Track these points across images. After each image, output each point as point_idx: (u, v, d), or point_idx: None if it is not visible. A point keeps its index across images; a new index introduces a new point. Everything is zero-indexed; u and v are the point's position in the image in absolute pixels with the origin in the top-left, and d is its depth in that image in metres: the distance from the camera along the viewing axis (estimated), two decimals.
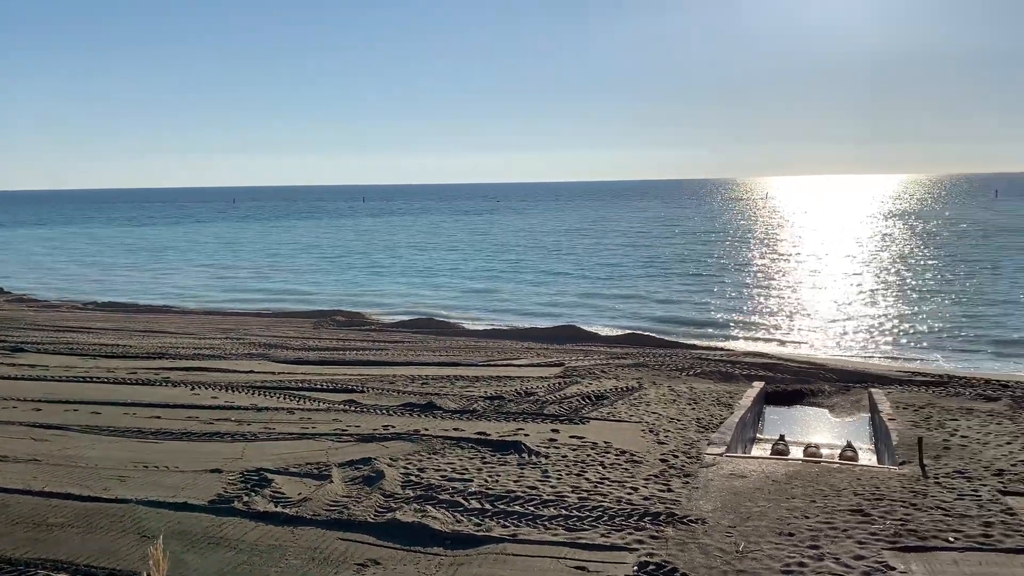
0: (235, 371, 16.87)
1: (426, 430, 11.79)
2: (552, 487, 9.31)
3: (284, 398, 14.13)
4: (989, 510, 8.63)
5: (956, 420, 12.74)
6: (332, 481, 9.48)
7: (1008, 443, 11.35)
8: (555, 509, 8.64)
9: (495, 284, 39.40)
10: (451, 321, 28.33)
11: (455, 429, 11.90)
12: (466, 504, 8.74)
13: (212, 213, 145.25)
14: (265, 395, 14.34)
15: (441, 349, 20.81)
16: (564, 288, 37.33)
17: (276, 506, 8.74)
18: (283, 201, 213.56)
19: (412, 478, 9.62)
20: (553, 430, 11.87)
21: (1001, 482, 9.59)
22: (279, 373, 16.73)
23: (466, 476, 9.67)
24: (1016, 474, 9.88)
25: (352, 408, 13.32)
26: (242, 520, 8.40)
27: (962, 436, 11.74)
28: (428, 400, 13.70)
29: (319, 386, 15.14)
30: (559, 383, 15.47)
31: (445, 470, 9.92)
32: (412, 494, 9.08)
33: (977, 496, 9.08)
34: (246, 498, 8.92)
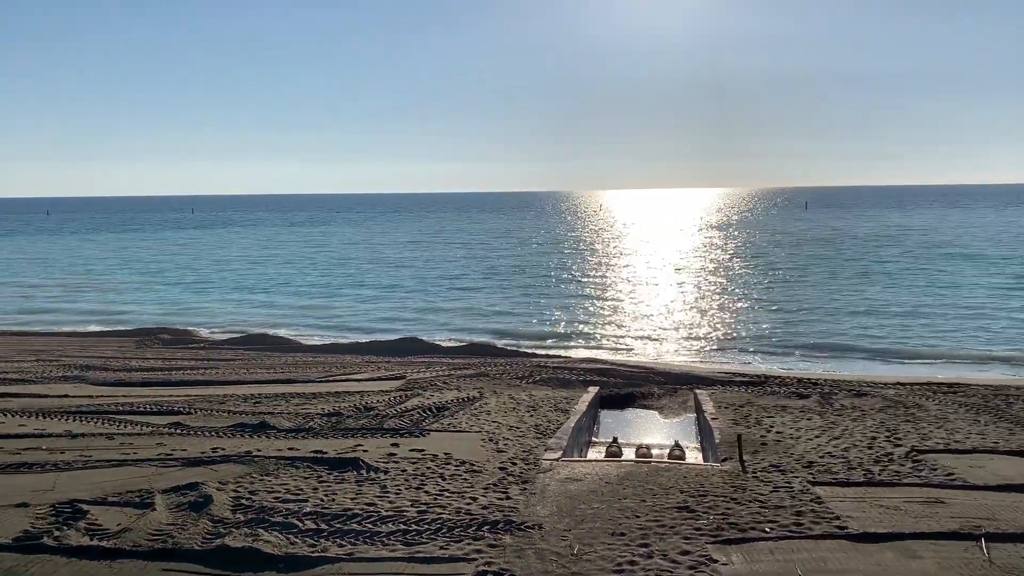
0: (47, 396, 15.56)
1: (259, 451, 11.32)
2: (391, 502, 9.18)
3: (103, 423, 13.15)
4: (801, 500, 9.30)
5: (772, 417, 13.67)
6: (155, 509, 8.90)
7: (817, 437, 12.29)
8: (394, 524, 8.52)
9: (333, 298, 38.59)
10: (287, 337, 27.47)
11: (290, 448, 11.51)
12: (301, 525, 8.46)
13: (18, 225, 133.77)
14: (81, 420, 13.30)
15: (276, 366, 20.12)
16: (405, 301, 37.14)
17: (92, 539, 8.10)
18: (102, 213, 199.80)
19: (243, 501, 9.20)
20: (393, 444, 11.73)
21: (811, 473, 10.36)
22: (97, 396, 15.58)
23: (301, 496, 9.36)
24: (824, 466, 10.71)
25: (178, 431, 12.59)
26: (52, 557, 7.72)
27: (777, 432, 12.61)
28: (261, 419, 13.17)
29: (142, 409, 14.22)
30: (400, 396, 15.33)
31: (279, 491, 9.56)
32: (243, 518, 8.68)
33: (790, 488, 9.76)
34: (57, 532, 8.22)
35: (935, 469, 10.50)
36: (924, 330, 27.22)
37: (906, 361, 22.72)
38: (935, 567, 7.50)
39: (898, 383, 17.00)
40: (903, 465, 10.70)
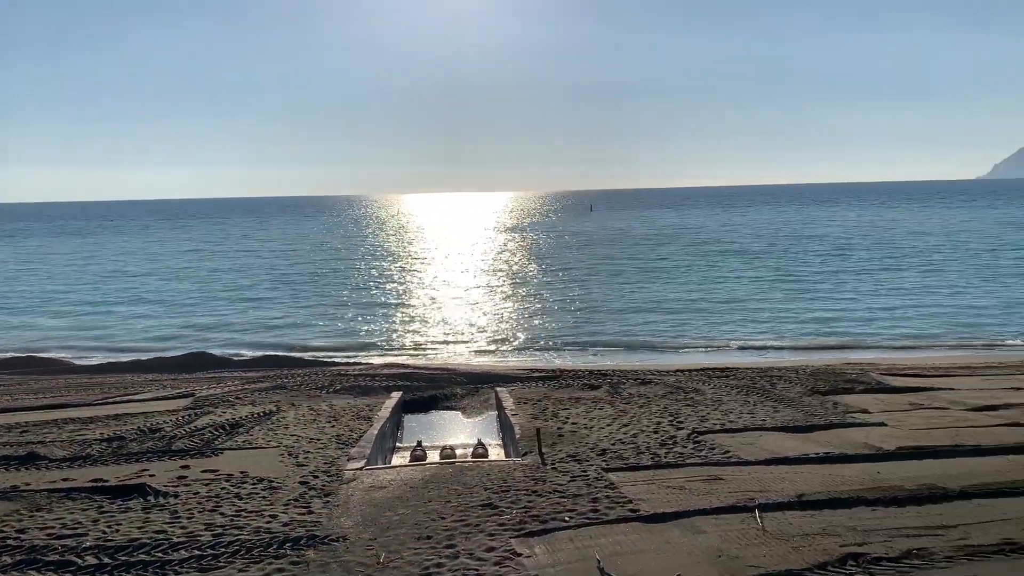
0: None
1: (27, 485, 10.26)
2: (183, 528, 8.64)
3: None
4: (596, 487, 9.77)
5: (567, 409, 14.25)
6: None
7: (608, 425, 12.96)
8: (187, 551, 8.02)
9: (108, 315, 35.60)
10: (57, 358, 25.05)
11: (64, 479, 10.51)
12: (80, 562, 7.75)
13: None
14: None
15: (45, 390, 18.32)
16: (190, 314, 35.01)
17: None
18: None
19: (10, 542, 8.29)
20: (183, 467, 11.04)
21: (605, 461, 10.91)
22: None
23: (80, 530, 8.58)
24: (616, 452, 11.31)
25: None
26: None
27: (573, 423, 13.17)
28: (29, 450, 11.94)
29: None
30: (189, 415, 14.45)
31: (53, 527, 8.71)
32: (10, 560, 7.82)
33: (586, 476, 10.23)
34: None
35: (713, 448, 11.41)
36: (699, 321, 29.47)
37: (685, 350, 24.48)
38: (717, 539, 8.13)
39: (678, 370, 18.29)
40: (686, 447, 11.53)
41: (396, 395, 16.37)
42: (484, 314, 32.70)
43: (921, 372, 17.55)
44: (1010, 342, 24.37)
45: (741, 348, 24.35)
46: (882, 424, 12.68)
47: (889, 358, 21.22)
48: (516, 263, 54.45)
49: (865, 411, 13.64)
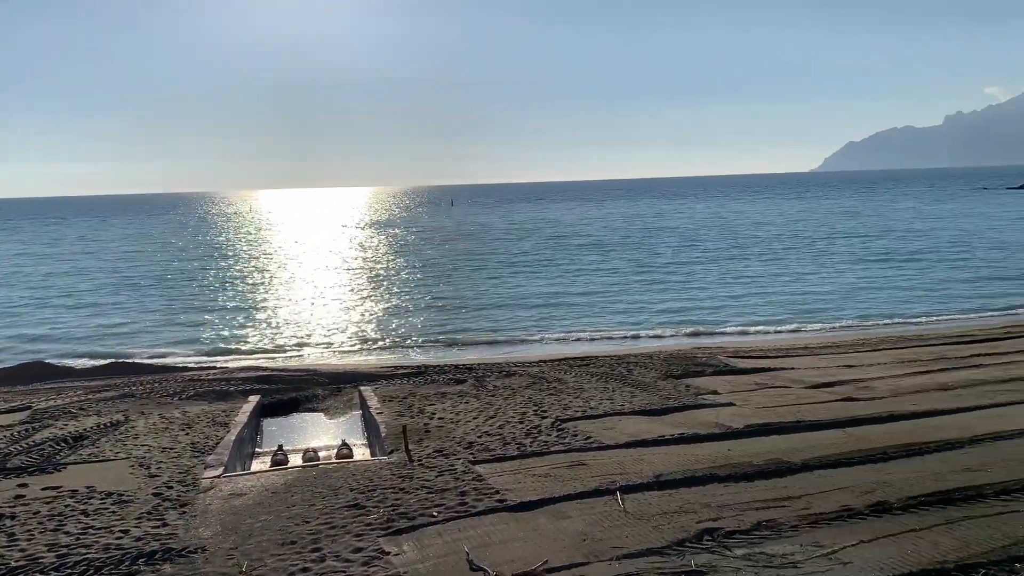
0: None
1: None
2: (23, 551, 8.02)
3: None
4: (464, 480, 9.81)
5: (433, 405, 14.23)
6: None
7: (475, 418, 13.04)
8: (27, 575, 7.46)
9: None
10: None
11: None
12: None
13: None
14: None
15: None
16: (22, 322, 32.47)
17: None
18: None
19: None
20: (20, 485, 10.24)
21: (472, 454, 10.97)
22: None
23: None
24: (483, 445, 11.39)
25: None
26: None
27: (439, 418, 13.15)
28: None
29: None
30: (26, 430, 13.41)
31: None
32: None
33: (454, 470, 10.25)
34: None
35: (576, 435, 11.69)
36: (561, 313, 30.12)
37: (547, 342, 24.95)
38: (581, 523, 8.35)
39: (541, 361, 18.62)
40: (550, 435, 11.76)
41: (254, 399, 15.82)
42: (345, 313, 32.12)
43: (765, 354, 18.66)
44: (846, 323, 26.27)
45: (601, 338, 25.06)
46: (731, 404, 13.40)
47: (735, 342, 22.44)
48: (376, 260, 53.79)
49: (715, 392, 14.37)
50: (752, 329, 25.70)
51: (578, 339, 25.11)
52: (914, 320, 26.30)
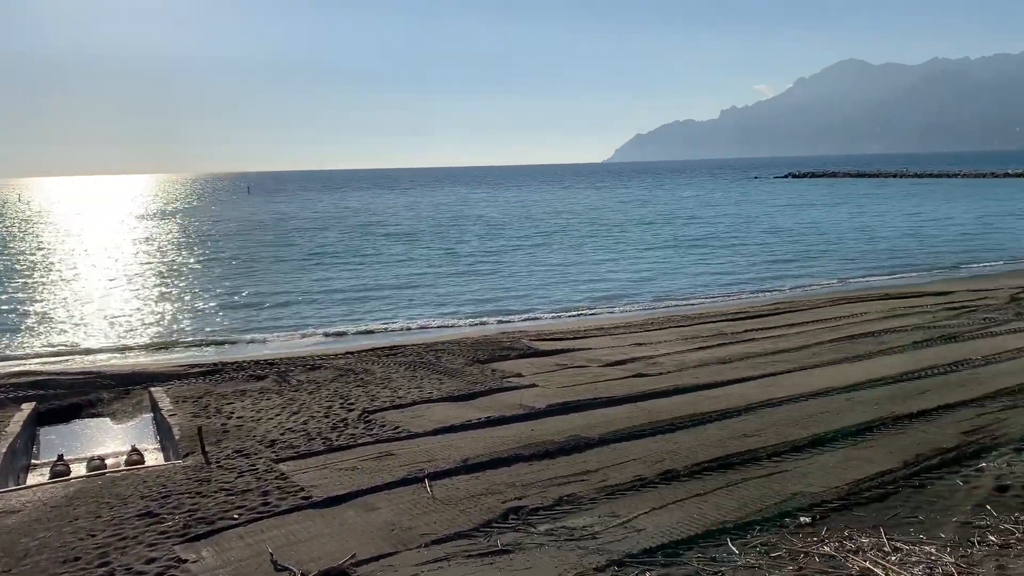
0: None
1: None
2: None
3: None
4: (266, 480, 9.48)
5: (232, 403, 13.62)
6: None
7: (278, 415, 12.63)
8: None
9: None
10: None
11: None
12: None
13: None
14: None
15: None
16: None
17: None
18: None
19: None
20: None
21: (274, 452, 10.62)
22: None
23: None
24: (286, 442, 11.06)
25: None
26: None
27: (239, 417, 12.62)
28: None
29: None
30: None
31: None
32: None
33: (255, 470, 9.88)
34: None
35: (384, 426, 11.64)
36: (368, 304, 29.75)
37: (355, 334, 24.55)
38: (390, 514, 8.33)
39: (348, 353, 18.33)
40: (357, 427, 11.63)
41: (28, 407, 14.40)
42: (132, 311, 29.93)
43: (565, 336, 19.43)
44: (638, 305, 27.85)
45: (410, 328, 25.03)
46: (534, 385, 13.86)
47: (538, 326, 23.19)
48: (166, 253, 50.49)
49: (519, 375, 14.80)
50: (554, 313, 26.67)
51: (386, 329, 24.93)
52: (697, 300, 28.35)
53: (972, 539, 7.23)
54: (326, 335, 24.41)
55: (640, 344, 17.80)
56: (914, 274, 33.20)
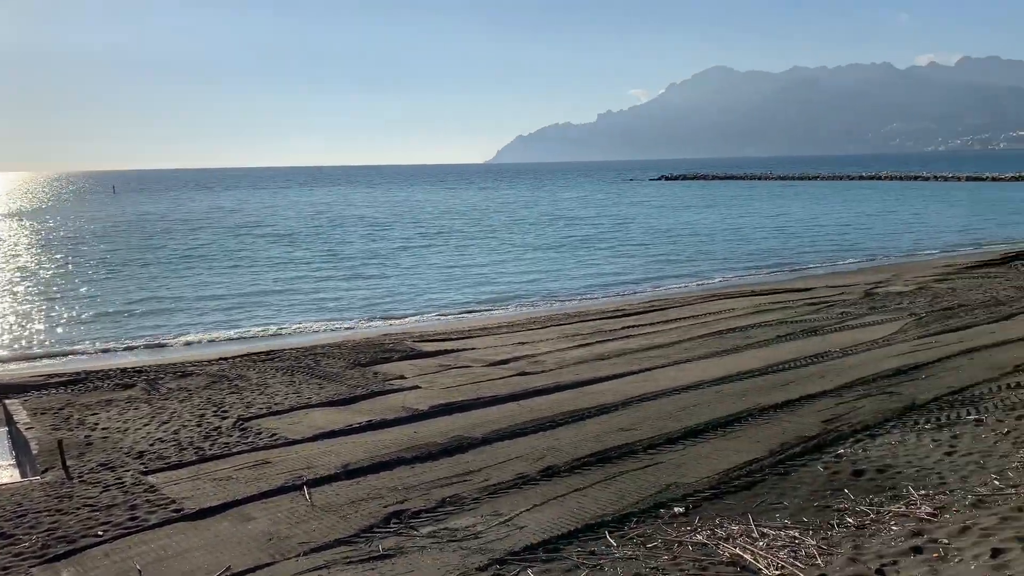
0: None
1: None
2: None
3: None
4: (133, 494, 9.04)
5: (97, 414, 12.90)
6: None
7: (146, 425, 12.05)
8: None
9: None
10: None
11: None
12: None
13: None
14: None
15: None
16: None
17: None
18: None
19: None
20: None
21: (143, 464, 10.13)
22: None
23: None
24: (155, 453, 10.57)
25: None
26: None
27: (104, 429, 11.97)
28: None
29: None
30: None
31: None
32: None
33: (121, 483, 9.40)
34: None
35: (260, 433, 11.30)
36: (247, 308, 28.78)
37: (232, 339, 23.69)
38: (267, 524, 8.10)
39: (221, 358, 17.68)
40: (232, 436, 11.24)
41: None
42: None
43: (448, 336, 19.41)
44: (521, 304, 28.12)
45: (289, 331, 24.38)
46: (417, 387, 13.78)
47: (422, 327, 23.06)
48: (25, 256, 47.31)
49: (402, 377, 14.68)
50: (439, 314, 26.59)
51: (264, 333, 24.21)
52: (578, 299, 28.90)
53: (832, 522, 7.67)
54: (200, 340, 23.47)
55: (523, 343, 17.99)
56: (779, 272, 34.96)
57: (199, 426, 11.82)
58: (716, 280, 32.84)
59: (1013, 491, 7.96)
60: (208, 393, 14.02)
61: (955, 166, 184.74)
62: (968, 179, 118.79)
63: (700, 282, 32.44)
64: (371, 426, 11.47)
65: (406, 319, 25.90)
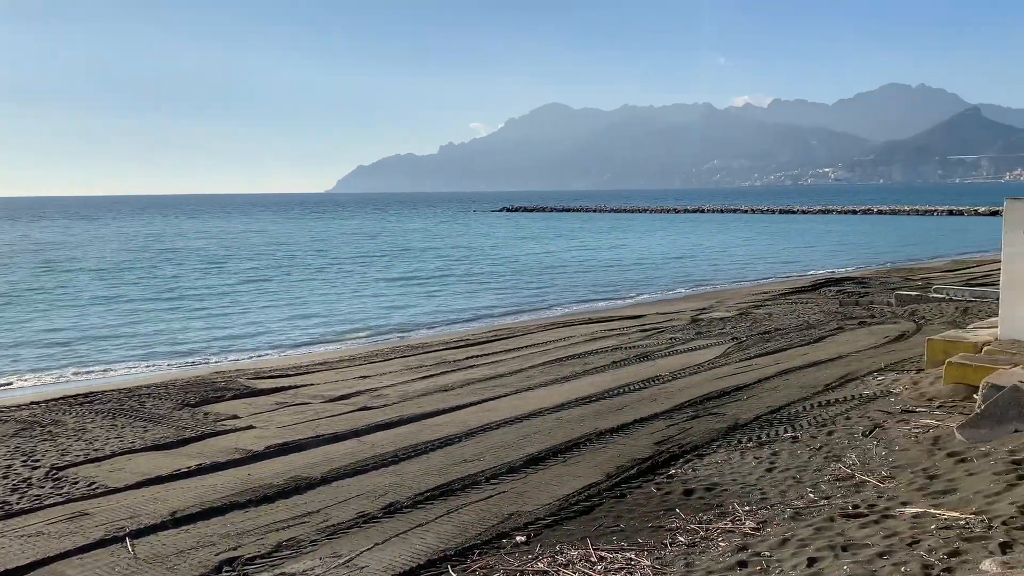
0: None
1: None
2: None
3: None
4: None
5: None
6: None
7: None
8: None
9: None
10: None
11: None
12: None
13: None
14: None
15: None
16: None
17: None
18: None
19: None
20: None
21: None
22: None
23: None
24: None
25: None
26: None
27: None
28: None
29: None
30: None
31: None
32: None
33: None
34: None
35: (76, 482, 10.47)
36: (59, 350, 26.67)
37: (38, 384, 21.86)
38: None
39: (33, 403, 16.27)
40: (44, 487, 10.36)
41: None
42: None
43: (286, 372, 18.79)
44: (363, 337, 27.67)
45: (111, 372, 22.78)
46: (251, 427, 13.24)
47: (256, 364, 22.19)
48: None
49: (235, 416, 14.06)
50: (276, 350, 25.70)
51: (81, 374, 22.49)
52: (424, 330, 28.80)
53: (665, 541, 7.99)
54: (9, 384, 21.50)
55: (365, 376, 17.69)
56: (616, 299, 36.36)
57: (5, 478, 10.80)
58: (557, 310, 33.70)
59: (826, 502, 8.60)
60: (16, 441, 12.84)
61: (769, 200, 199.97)
62: (781, 212, 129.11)
63: (542, 311, 33.18)
64: (201, 470, 10.89)
65: (240, 356, 24.85)
